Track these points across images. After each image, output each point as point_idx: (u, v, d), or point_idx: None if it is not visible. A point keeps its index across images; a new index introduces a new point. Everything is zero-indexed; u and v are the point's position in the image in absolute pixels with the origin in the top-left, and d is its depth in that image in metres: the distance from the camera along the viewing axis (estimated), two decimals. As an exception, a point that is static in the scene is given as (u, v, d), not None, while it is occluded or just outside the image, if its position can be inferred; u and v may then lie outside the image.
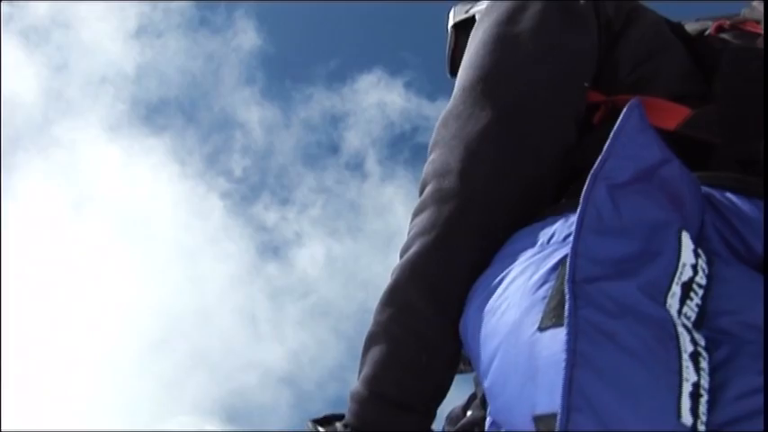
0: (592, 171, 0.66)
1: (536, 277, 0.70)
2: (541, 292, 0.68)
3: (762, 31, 0.97)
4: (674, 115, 0.84)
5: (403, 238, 0.91)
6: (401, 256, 0.88)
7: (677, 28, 1.04)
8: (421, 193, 0.91)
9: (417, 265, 0.86)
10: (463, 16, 1.36)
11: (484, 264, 0.81)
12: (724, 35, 0.99)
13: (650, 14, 1.03)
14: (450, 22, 1.39)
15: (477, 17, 1.26)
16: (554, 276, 0.68)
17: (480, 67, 0.92)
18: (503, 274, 0.75)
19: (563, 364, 0.58)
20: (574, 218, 0.66)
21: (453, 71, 1.41)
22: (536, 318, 0.66)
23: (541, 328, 0.65)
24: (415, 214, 0.89)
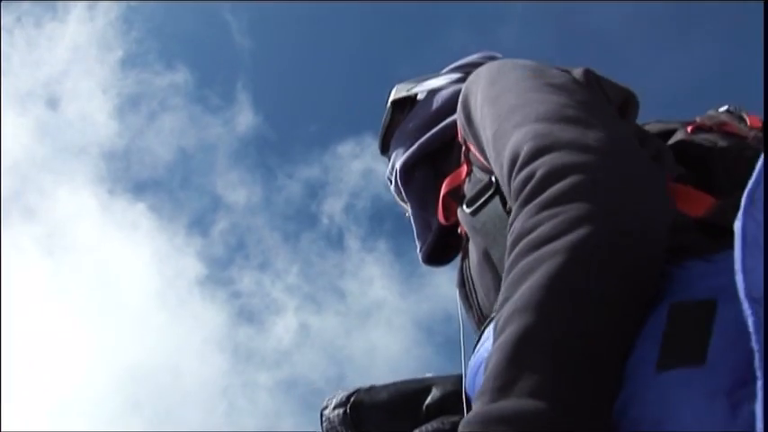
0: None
1: None
2: None
3: (740, 133, 1.01)
4: (700, 202, 0.81)
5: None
6: None
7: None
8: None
9: None
10: (404, 94, 1.32)
11: None
12: (707, 135, 0.99)
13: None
14: (391, 98, 1.34)
15: (418, 96, 1.28)
16: None
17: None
18: None
19: None
20: None
21: (384, 149, 1.37)
22: None
23: None
24: None
